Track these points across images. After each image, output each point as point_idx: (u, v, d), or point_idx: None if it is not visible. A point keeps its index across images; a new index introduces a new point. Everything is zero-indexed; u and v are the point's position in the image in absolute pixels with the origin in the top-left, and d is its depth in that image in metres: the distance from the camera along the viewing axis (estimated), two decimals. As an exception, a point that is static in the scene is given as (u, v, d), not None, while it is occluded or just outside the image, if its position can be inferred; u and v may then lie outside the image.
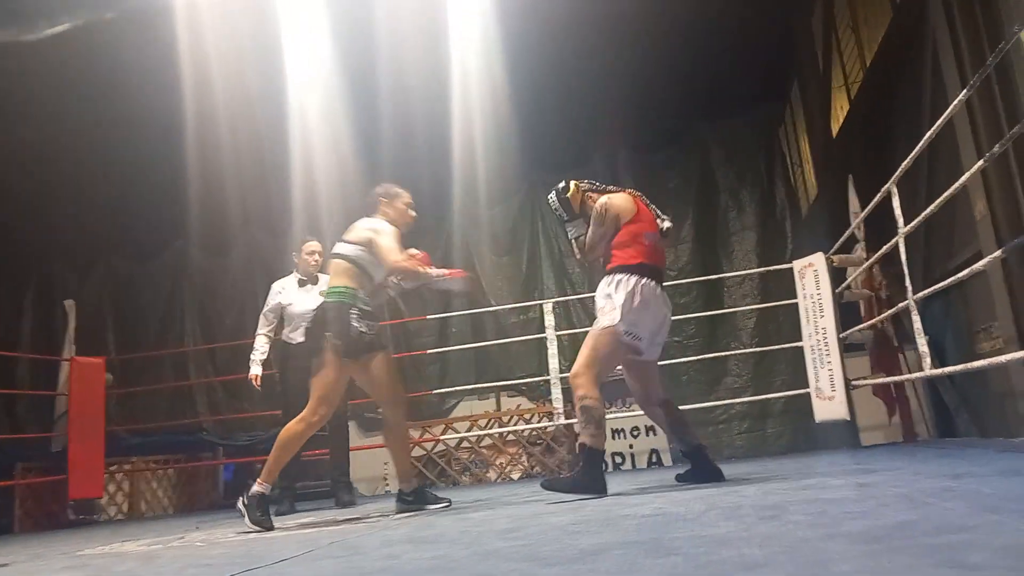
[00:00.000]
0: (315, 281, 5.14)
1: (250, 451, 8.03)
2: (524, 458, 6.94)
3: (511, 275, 8.26)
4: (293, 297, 5.14)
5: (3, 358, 8.08)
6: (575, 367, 3.35)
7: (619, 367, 3.64)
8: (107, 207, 8.38)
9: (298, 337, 4.90)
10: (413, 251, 3.65)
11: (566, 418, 6.40)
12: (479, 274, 8.24)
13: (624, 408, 7.51)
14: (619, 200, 3.50)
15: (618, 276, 3.37)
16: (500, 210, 8.48)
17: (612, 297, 3.34)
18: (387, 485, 7.47)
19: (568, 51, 7.31)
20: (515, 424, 7.07)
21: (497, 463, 6.97)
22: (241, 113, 7.27)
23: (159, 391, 8.23)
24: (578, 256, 3.72)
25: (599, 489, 3.19)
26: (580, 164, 8.32)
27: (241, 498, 3.36)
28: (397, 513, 3.58)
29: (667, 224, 3.54)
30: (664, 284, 3.52)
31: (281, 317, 5.22)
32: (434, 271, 3.63)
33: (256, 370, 5.16)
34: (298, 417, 3.41)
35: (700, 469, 3.57)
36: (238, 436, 8.06)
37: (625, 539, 1.76)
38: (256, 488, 3.33)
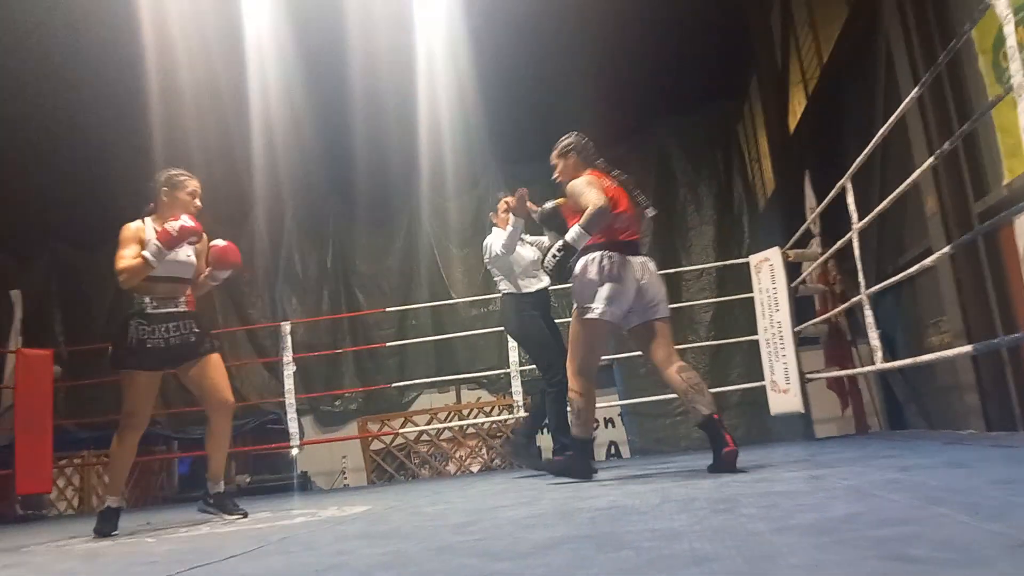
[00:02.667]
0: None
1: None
2: (484, 451, 6.94)
3: (472, 267, 8.23)
4: (512, 246, 4.80)
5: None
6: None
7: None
8: (51, 193, 8.15)
9: (531, 286, 4.75)
10: (175, 223, 3.38)
11: (526, 411, 6.41)
12: (441, 266, 8.21)
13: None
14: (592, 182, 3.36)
15: (579, 261, 3.30)
16: (461, 202, 8.45)
17: (575, 278, 3.32)
18: (345, 479, 7.43)
19: (530, 46, 7.30)
20: (475, 417, 7.06)
21: (457, 456, 6.96)
22: (195, 98, 7.12)
23: (109, 384, 8.03)
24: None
25: (585, 474, 3.39)
26: (539, 158, 8.30)
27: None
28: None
29: (649, 211, 3.49)
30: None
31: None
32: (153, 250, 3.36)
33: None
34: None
35: (715, 443, 3.27)
36: (192, 429, 7.92)
37: (578, 533, 1.76)
38: None
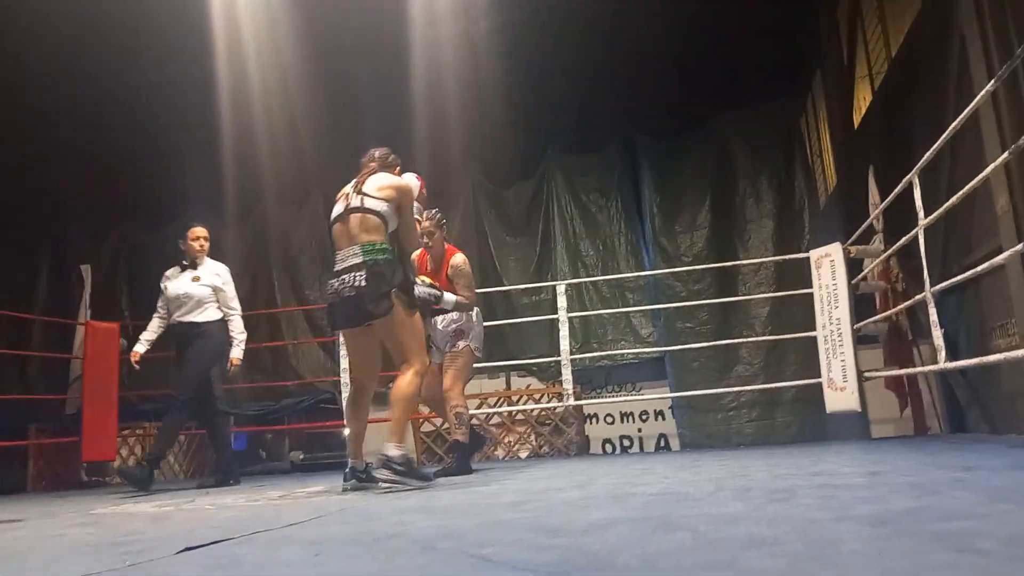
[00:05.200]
0: (195, 266, 5.17)
1: (261, 420, 8.10)
2: (533, 437, 6.97)
3: (524, 256, 8.25)
4: (171, 281, 5.18)
5: (18, 320, 8.17)
6: (446, 384, 4.39)
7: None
8: (123, 173, 8.42)
9: (178, 318, 5.11)
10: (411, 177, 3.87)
11: (575, 399, 6.43)
12: (495, 253, 8.25)
13: (634, 392, 7.54)
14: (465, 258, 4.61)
15: (474, 311, 4.54)
16: (516, 190, 8.47)
17: (471, 326, 4.51)
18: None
19: (590, 33, 7.26)
20: (524, 404, 7.10)
21: (505, 441, 7.00)
22: (261, 81, 7.27)
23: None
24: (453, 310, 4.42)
25: (469, 470, 4.33)
26: (597, 148, 8.30)
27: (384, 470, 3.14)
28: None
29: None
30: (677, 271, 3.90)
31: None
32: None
33: (138, 348, 5.33)
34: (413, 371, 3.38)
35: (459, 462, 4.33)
36: (249, 406, 8.12)
37: (633, 515, 1.77)
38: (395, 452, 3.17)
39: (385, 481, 3.13)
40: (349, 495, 3.23)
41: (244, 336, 5.20)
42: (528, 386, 7.56)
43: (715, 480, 2.58)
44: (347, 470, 3.55)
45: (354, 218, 3.39)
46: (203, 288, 5.05)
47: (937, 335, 3.75)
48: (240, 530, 2.03)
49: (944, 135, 3.71)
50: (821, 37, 8.08)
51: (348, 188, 3.57)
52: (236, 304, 5.20)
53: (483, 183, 8.43)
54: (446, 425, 7.12)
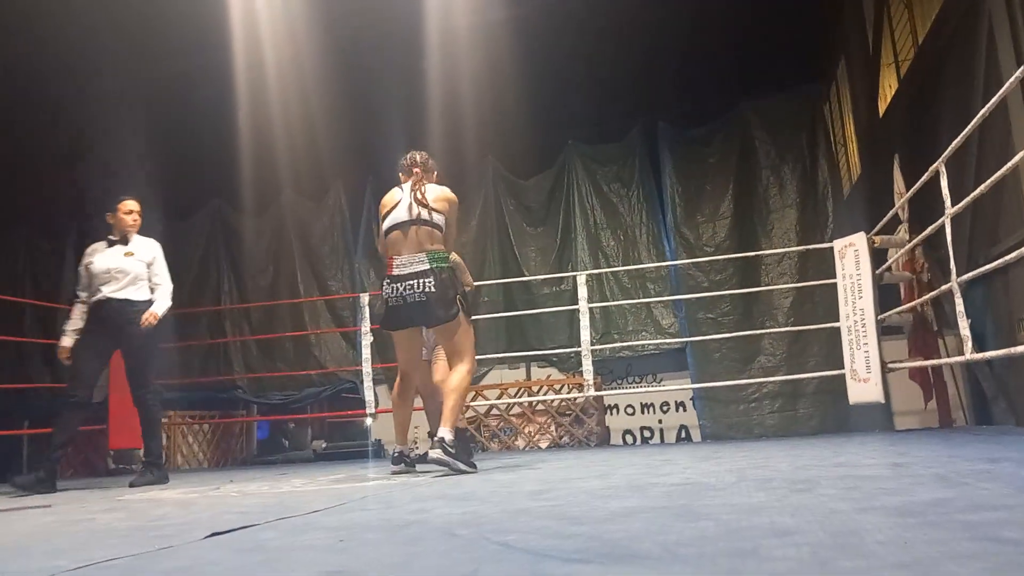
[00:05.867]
0: (125, 241, 4.79)
1: (283, 409, 8.17)
2: (553, 428, 6.98)
3: (545, 246, 8.24)
4: (97, 255, 4.72)
5: (44, 309, 8.29)
6: (438, 376, 4.32)
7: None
8: (143, 163, 8.50)
9: (109, 294, 4.58)
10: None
11: (596, 390, 6.43)
12: (515, 244, 8.25)
13: (655, 383, 7.52)
14: None
15: None
16: (537, 180, 8.45)
17: None
18: (416, 448, 7.58)
19: (609, 21, 7.21)
20: (545, 394, 7.11)
21: (526, 431, 7.02)
22: (279, 74, 7.31)
23: (195, 347, 8.37)
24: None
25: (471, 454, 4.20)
26: (618, 137, 8.26)
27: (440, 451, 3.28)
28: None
29: None
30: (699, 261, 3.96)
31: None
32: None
33: (66, 342, 4.56)
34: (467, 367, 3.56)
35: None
36: (271, 395, 8.20)
37: (655, 504, 1.77)
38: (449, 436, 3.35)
39: (436, 461, 3.27)
40: (372, 483, 3.26)
41: (168, 304, 4.74)
42: (548, 376, 7.56)
43: (737, 471, 2.57)
44: (396, 454, 3.80)
45: (421, 230, 3.60)
46: (138, 264, 4.70)
47: (964, 325, 3.71)
48: (265, 516, 2.05)
49: (972, 123, 3.65)
50: (846, 23, 7.99)
51: (402, 195, 3.71)
52: (167, 279, 4.82)
53: (503, 173, 8.42)
54: (467, 415, 7.15)
